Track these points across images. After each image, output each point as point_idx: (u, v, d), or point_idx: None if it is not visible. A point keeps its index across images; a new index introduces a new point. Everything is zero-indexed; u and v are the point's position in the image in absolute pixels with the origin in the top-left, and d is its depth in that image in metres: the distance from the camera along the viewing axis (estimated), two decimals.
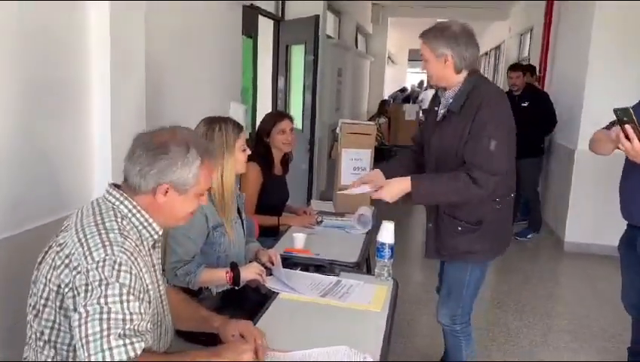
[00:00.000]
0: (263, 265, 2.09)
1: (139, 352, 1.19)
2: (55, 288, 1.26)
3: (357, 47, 9.90)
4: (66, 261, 1.25)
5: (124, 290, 1.20)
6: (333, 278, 2.13)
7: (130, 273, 1.23)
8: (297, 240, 2.54)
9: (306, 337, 1.69)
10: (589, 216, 4.93)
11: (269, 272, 2.11)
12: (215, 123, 2.13)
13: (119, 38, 2.18)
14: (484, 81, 2.16)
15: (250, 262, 2.13)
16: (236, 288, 2.03)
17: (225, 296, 2.11)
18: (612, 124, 2.22)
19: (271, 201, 2.89)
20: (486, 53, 15.56)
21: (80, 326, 1.16)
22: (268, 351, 1.53)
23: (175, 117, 2.86)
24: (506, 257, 4.97)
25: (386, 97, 11.28)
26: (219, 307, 2.09)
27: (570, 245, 5.17)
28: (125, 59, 2.25)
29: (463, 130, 2.04)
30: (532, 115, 4.93)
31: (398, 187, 2.09)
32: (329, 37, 6.82)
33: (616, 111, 1.93)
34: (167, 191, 1.35)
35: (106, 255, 1.22)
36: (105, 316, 1.17)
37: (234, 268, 1.98)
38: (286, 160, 3.10)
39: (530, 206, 5.42)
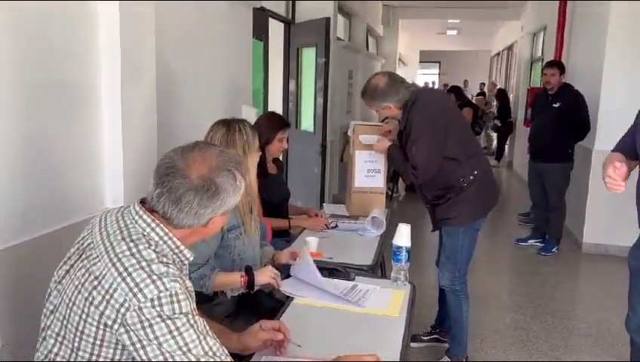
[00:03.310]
0: (277, 268, 2.05)
1: None
2: (95, 323, 1.21)
3: (368, 48, 9.85)
4: (107, 296, 1.19)
5: (190, 316, 1.21)
6: (349, 283, 2.09)
7: (187, 298, 1.22)
8: (310, 243, 2.50)
9: (322, 343, 1.65)
10: (607, 217, 4.83)
11: (284, 276, 2.07)
12: (233, 124, 2.09)
13: (129, 41, 2.15)
14: (418, 97, 2.62)
15: (264, 265, 2.09)
16: (250, 292, 2.00)
17: (239, 301, 2.08)
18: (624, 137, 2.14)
19: (272, 200, 2.84)
20: (497, 54, 15.45)
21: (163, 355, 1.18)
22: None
23: (186, 121, 2.88)
24: (523, 259, 4.98)
25: None
26: (233, 312, 2.05)
27: (588, 246, 5.08)
28: (136, 61, 2.22)
29: (407, 138, 2.67)
30: (563, 117, 4.69)
31: (384, 145, 2.86)
32: (339, 39, 6.78)
33: None
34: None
35: (159, 291, 1.18)
36: (186, 348, 1.18)
37: (248, 271, 1.94)
38: (278, 159, 3.07)
39: (551, 216, 5.04)
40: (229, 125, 2.09)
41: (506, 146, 10.96)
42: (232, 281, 1.94)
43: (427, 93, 2.79)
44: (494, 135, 11.29)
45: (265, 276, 1.95)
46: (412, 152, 2.59)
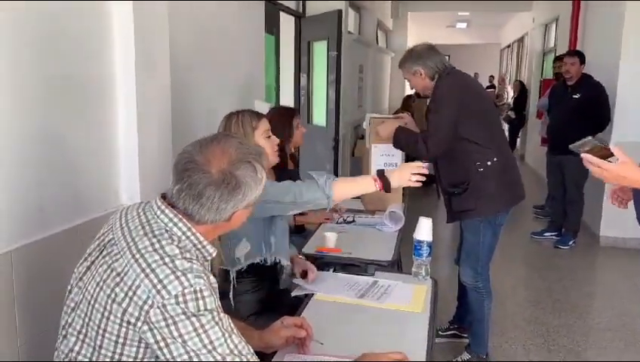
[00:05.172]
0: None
1: None
2: (118, 321, 1.18)
3: (377, 42, 9.78)
4: (130, 293, 1.16)
5: (214, 313, 1.17)
6: (369, 279, 2.05)
7: (212, 294, 1.18)
8: (328, 239, 2.47)
9: (345, 340, 1.62)
10: (625, 210, 4.75)
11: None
12: (232, 116, 2.04)
13: (143, 37, 2.13)
14: (451, 72, 2.66)
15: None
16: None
17: (262, 300, 2.04)
18: None
19: None
20: (508, 46, 15.30)
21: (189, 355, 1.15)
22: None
23: (200, 116, 2.85)
24: (540, 253, 4.92)
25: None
26: (256, 312, 2.01)
27: (605, 239, 5.01)
28: (150, 57, 2.19)
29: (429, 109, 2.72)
30: (583, 108, 4.57)
31: (389, 128, 2.80)
32: (350, 33, 6.72)
33: (572, 148, 1.75)
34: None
35: (184, 288, 1.14)
36: (211, 346, 1.15)
37: (381, 175, 1.86)
38: (294, 155, 3.03)
39: (568, 208, 4.98)
40: (229, 117, 2.04)
41: (518, 139, 10.88)
42: (361, 185, 1.89)
43: (461, 73, 2.74)
44: (506, 127, 11.21)
45: (403, 179, 1.88)
46: (430, 122, 2.60)
